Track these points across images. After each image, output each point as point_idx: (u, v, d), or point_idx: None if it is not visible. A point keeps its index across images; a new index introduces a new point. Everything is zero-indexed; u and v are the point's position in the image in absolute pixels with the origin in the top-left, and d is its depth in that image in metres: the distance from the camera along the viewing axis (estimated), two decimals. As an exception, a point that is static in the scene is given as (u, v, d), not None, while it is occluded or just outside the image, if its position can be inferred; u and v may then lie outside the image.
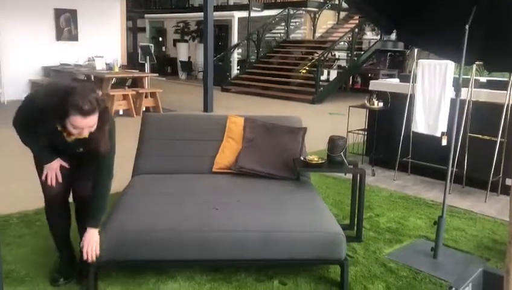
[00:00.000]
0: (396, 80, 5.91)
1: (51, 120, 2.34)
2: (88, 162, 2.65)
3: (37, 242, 3.25)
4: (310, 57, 13.84)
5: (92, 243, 2.48)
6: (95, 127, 2.34)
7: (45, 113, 2.34)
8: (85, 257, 2.47)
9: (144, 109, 8.97)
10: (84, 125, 2.27)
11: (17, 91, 9.62)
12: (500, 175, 4.53)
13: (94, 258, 2.48)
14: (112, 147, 2.54)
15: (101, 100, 2.33)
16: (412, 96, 4.91)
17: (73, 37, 10.95)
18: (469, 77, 4.56)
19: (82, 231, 2.81)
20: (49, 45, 10.58)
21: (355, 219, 3.49)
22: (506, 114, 4.39)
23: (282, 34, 16.37)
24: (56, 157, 2.61)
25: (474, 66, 4.43)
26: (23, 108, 2.48)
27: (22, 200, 3.96)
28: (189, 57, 18.08)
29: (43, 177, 2.61)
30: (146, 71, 9.99)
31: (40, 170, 2.65)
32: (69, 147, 2.54)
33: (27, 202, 3.83)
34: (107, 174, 2.58)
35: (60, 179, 2.62)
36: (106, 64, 9.61)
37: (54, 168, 2.61)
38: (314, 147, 5.10)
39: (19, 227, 3.50)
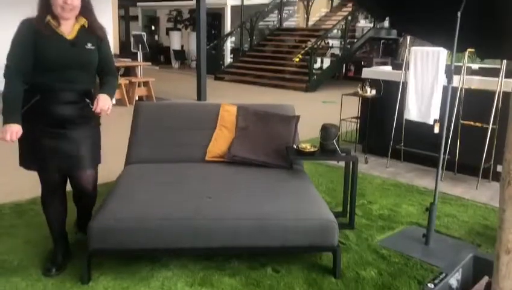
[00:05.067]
0: (389, 68, 5.91)
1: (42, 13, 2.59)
2: (84, 137, 2.66)
3: (29, 232, 3.24)
4: (303, 45, 13.79)
5: (105, 101, 2.61)
6: None
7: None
8: (94, 109, 2.59)
9: (137, 98, 8.94)
10: None
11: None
12: (492, 162, 4.56)
13: (106, 110, 2.61)
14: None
15: None
16: (405, 84, 4.91)
17: (65, 26, 10.79)
18: (461, 64, 4.57)
19: (80, 219, 2.84)
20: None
21: (348, 206, 3.51)
22: (497, 101, 4.40)
23: (275, 22, 16.30)
24: (19, 122, 2.52)
25: (467, 53, 4.44)
26: (15, 36, 2.58)
27: (15, 190, 3.95)
28: (182, 46, 17.98)
29: (1, 136, 2.50)
30: (139, 60, 9.91)
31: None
32: (76, 49, 2.61)
33: (21, 193, 3.83)
34: (114, 72, 2.85)
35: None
36: (98, 53, 9.50)
37: (14, 130, 2.50)
38: (307, 135, 5.11)
39: (11, 217, 3.49)
